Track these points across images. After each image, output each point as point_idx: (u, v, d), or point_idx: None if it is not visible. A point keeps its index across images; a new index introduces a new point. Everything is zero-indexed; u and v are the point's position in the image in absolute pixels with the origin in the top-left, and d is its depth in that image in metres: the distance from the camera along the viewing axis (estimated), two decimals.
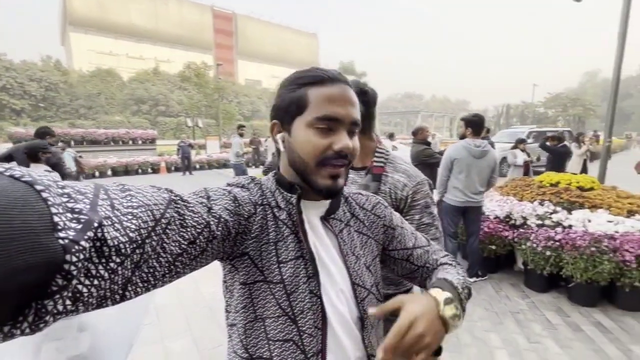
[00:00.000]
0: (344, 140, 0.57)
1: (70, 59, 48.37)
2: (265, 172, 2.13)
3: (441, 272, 0.67)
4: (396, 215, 0.78)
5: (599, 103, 43.44)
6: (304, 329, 0.58)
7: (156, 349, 2.35)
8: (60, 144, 4.92)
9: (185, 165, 12.81)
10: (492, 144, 5.75)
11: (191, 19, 60.30)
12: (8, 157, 3.82)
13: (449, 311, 0.55)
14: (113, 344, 2.38)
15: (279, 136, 0.62)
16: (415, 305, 0.53)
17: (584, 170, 7.01)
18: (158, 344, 2.40)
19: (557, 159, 5.89)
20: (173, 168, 13.59)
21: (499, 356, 2.27)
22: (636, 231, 2.87)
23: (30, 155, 2.83)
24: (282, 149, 0.62)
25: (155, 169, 13.24)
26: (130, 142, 15.33)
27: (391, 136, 11.74)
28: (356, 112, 0.60)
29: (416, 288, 0.88)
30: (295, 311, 0.58)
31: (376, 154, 1.12)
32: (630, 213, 3.17)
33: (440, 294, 0.57)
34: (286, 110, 0.60)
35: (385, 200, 0.96)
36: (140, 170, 12.87)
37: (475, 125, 3.07)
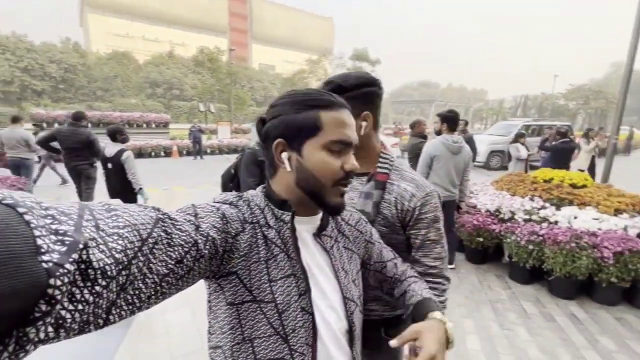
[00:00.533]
0: (352, 162, 0.62)
1: (88, 41, 49.15)
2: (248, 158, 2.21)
3: (417, 287, 0.76)
4: (374, 231, 0.83)
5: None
6: (295, 347, 0.58)
7: (157, 319, 2.62)
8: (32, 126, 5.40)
9: (197, 150, 13.14)
10: (471, 138, 5.75)
11: (206, 1, 59.97)
12: (51, 138, 4.43)
13: (450, 328, 0.65)
14: None
15: (284, 155, 0.61)
16: (432, 336, 0.60)
17: (592, 166, 6.92)
18: (159, 315, 2.67)
19: (559, 156, 5.82)
20: (185, 152, 13.94)
21: (470, 340, 2.44)
22: (619, 229, 2.94)
23: (111, 136, 3.63)
24: (288, 168, 0.61)
25: (168, 153, 13.62)
26: (144, 125, 15.72)
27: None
28: (356, 135, 0.66)
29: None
30: (286, 330, 0.58)
31: (380, 159, 1.00)
32: (618, 211, 3.22)
33: (442, 317, 0.67)
34: (298, 131, 0.60)
35: (389, 211, 0.95)
36: (153, 154, 13.27)
37: (451, 121, 3.19)
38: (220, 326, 0.60)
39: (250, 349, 0.58)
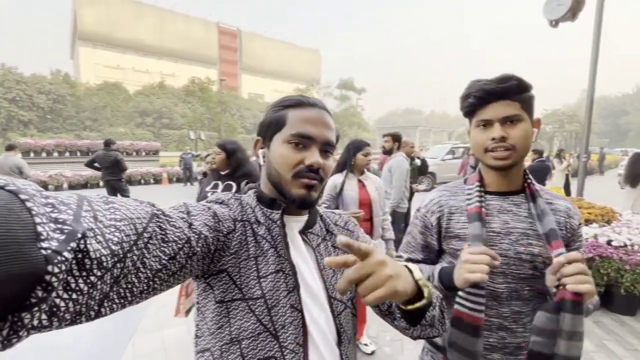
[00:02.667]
0: (314, 156, 0.62)
1: (78, 73, 49.73)
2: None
3: None
4: (362, 233, 0.81)
5: (594, 120, 44.20)
6: (285, 344, 0.58)
7: (155, 336, 2.64)
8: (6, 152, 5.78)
9: (187, 176, 13.20)
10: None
11: (197, 35, 62.15)
12: (93, 160, 5.60)
13: (422, 280, 0.56)
14: (117, 329, 2.68)
15: (260, 151, 0.68)
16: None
17: (567, 184, 7.35)
18: (156, 332, 2.70)
19: (536, 174, 6.20)
20: (175, 179, 13.98)
21: None
22: (590, 237, 3.18)
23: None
24: (261, 163, 0.67)
25: (158, 180, 13.64)
26: (134, 153, 15.79)
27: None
28: (330, 134, 0.65)
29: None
30: (276, 326, 0.57)
31: (527, 176, 0.90)
32: (588, 222, 3.48)
33: (413, 267, 0.56)
34: (267, 127, 0.66)
35: (559, 233, 0.83)
36: (142, 181, 13.27)
37: (400, 140, 3.71)
38: (209, 327, 0.59)
39: (239, 350, 0.57)
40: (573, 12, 5.76)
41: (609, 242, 3.18)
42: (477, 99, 0.84)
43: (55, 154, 13.58)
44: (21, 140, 14.49)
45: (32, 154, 13.09)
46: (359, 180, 2.38)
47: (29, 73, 33.60)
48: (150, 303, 3.09)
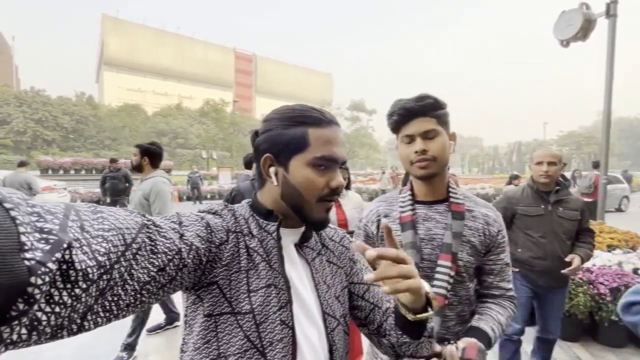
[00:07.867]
0: (338, 178, 0.61)
1: (102, 95, 52.38)
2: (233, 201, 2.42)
3: None
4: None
5: (614, 141, 43.01)
6: None
7: None
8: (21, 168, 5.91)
9: (195, 195, 13.30)
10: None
11: (214, 60, 64.96)
12: (126, 177, 6.43)
13: (431, 293, 0.61)
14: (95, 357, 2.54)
15: (271, 170, 0.62)
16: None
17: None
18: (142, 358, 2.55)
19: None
20: (185, 197, 14.10)
21: None
22: (613, 264, 2.91)
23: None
24: (275, 183, 0.61)
25: None
26: None
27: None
28: (344, 151, 0.65)
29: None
30: (264, 343, 0.56)
31: (450, 189, 1.00)
32: (611, 247, 3.21)
33: (423, 282, 0.60)
34: (285, 146, 0.60)
35: (477, 238, 0.95)
36: None
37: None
38: (194, 342, 0.56)
39: None
40: (584, 32, 5.65)
41: (635, 271, 2.90)
42: (400, 117, 0.94)
43: (72, 172, 14.00)
44: (41, 158, 15.05)
45: (50, 171, 13.51)
46: (336, 200, 2.39)
47: (55, 95, 35.51)
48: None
